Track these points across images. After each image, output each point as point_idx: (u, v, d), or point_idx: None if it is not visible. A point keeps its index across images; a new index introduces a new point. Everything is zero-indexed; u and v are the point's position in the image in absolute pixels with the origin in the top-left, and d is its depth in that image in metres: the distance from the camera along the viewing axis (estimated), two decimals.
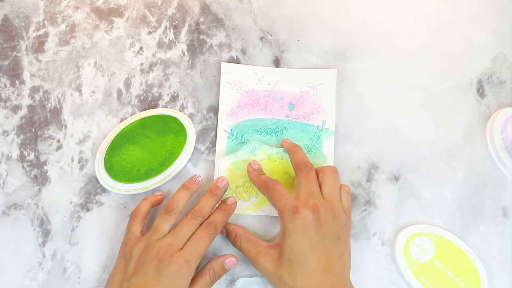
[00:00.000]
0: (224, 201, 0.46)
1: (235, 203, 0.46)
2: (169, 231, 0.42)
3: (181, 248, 0.40)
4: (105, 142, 0.50)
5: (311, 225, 0.40)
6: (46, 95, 0.52)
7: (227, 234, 0.45)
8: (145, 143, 0.49)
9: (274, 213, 0.49)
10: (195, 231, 0.42)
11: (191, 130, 0.51)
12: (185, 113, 0.53)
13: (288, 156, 0.50)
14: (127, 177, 0.48)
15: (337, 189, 0.44)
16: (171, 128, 0.50)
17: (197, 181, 0.46)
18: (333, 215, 0.41)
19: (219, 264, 0.43)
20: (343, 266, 0.40)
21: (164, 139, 0.50)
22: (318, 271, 0.39)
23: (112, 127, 0.52)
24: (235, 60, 0.55)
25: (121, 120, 0.52)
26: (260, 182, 0.45)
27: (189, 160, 0.50)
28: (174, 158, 0.49)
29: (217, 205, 0.46)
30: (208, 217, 0.44)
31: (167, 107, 0.53)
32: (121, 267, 0.41)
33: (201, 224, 0.43)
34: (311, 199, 0.42)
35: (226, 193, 0.49)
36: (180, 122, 0.51)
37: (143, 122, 0.51)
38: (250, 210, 0.49)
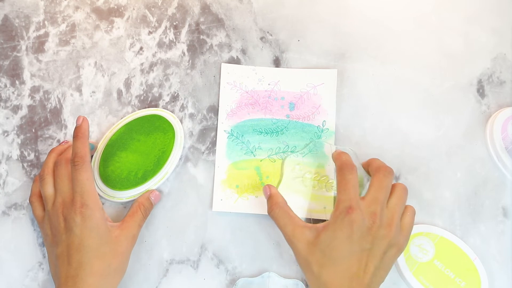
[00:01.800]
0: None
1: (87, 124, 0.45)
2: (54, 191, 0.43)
3: (73, 198, 0.41)
4: (95, 155, 0.50)
5: (358, 230, 0.39)
6: (46, 95, 0.52)
7: (268, 197, 0.45)
8: (135, 147, 0.49)
9: None
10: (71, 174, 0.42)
11: (178, 124, 0.50)
12: (185, 113, 0.53)
13: (288, 156, 0.50)
14: (126, 184, 0.47)
15: (403, 206, 0.43)
16: (157, 127, 0.50)
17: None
18: (389, 229, 0.40)
19: (146, 199, 0.46)
20: (374, 279, 0.39)
21: (153, 139, 0.49)
22: (346, 274, 0.38)
23: (112, 127, 0.52)
24: (235, 60, 0.55)
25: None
26: (338, 160, 0.43)
27: (186, 157, 0.50)
28: (168, 155, 0.49)
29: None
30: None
31: (167, 107, 0.53)
32: (48, 250, 0.43)
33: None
34: (374, 205, 0.40)
35: (227, 192, 0.49)
36: (165, 119, 0.50)
37: (128, 126, 0.50)
38: (250, 210, 0.49)
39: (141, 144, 0.49)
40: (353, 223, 0.39)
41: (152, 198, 0.47)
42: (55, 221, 0.41)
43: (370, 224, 0.39)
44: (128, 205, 0.48)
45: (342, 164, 0.42)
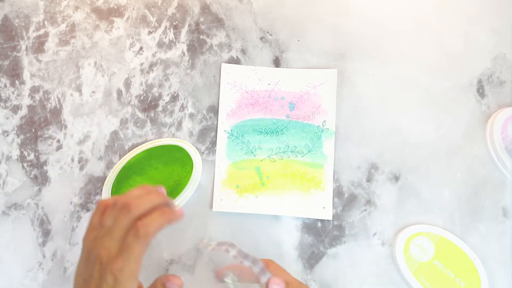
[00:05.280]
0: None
1: (182, 214, 0.39)
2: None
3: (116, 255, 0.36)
4: (111, 175, 0.49)
5: None
6: (46, 95, 0.52)
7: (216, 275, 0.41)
8: (152, 174, 0.49)
9: (277, 212, 0.49)
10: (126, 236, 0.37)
11: (198, 160, 0.50)
12: (185, 113, 0.53)
13: (290, 156, 0.50)
14: None
15: None
16: (177, 158, 0.49)
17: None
18: None
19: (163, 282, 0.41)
20: None
21: (171, 169, 0.49)
22: None
23: (112, 127, 0.52)
24: (235, 60, 0.55)
25: (121, 121, 0.52)
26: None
27: (195, 190, 0.49)
28: (182, 188, 0.48)
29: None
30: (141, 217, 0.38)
31: (167, 107, 0.53)
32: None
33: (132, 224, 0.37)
34: None
35: (228, 192, 0.49)
36: (186, 151, 0.50)
37: (149, 152, 0.50)
38: (250, 210, 0.49)
39: (158, 173, 0.49)
40: None
41: (168, 284, 0.41)
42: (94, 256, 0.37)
43: None
44: None
45: None
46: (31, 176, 0.50)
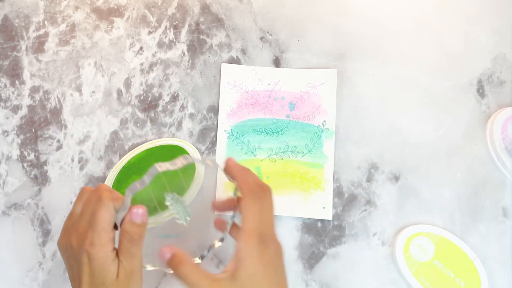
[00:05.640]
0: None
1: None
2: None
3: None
4: (111, 175, 0.49)
5: (274, 256, 0.36)
6: (46, 95, 0.52)
7: (172, 257, 0.37)
8: None
9: (277, 212, 0.49)
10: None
11: (198, 160, 0.48)
12: (185, 113, 0.53)
13: (290, 156, 0.50)
14: None
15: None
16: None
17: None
18: (278, 243, 0.37)
19: (128, 223, 0.37)
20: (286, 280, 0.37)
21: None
22: None
23: (112, 127, 0.52)
24: (235, 60, 0.55)
25: (121, 121, 0.52)
26: (245, 183, 0.37)
27: (198, 192, 0.48)
28: (184, 191, 0.47)
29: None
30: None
31: (167, 107, 0.53)
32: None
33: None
34: (270, 228, 0.37)
35: (228, 192, 0.49)
36: (186, 152, 0.49)
37: (149, 153, 0.50)
38: None
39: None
40: (272, 251, 0.36)
41: (135, 218, 0.38)
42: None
43: (277, 246, 0.36)
44: None
45: (251, 187, 0.37)
46: (31, 176, 0.50)
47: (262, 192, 0.37)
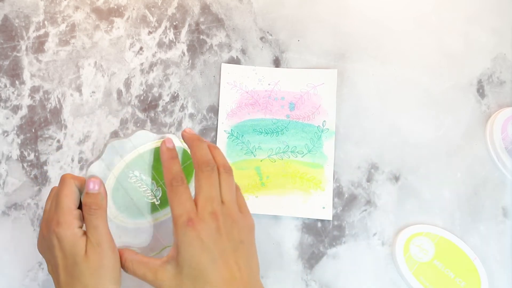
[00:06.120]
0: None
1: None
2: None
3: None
4: (111, 175, 0.48)
5: (208, 237, 0.36)
6: (46, 95, 0.52)
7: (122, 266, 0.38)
8: (152, 174, 0.48)
9: (277, 212, 0.49)
10: None
11: None
12: (185, 113, 0.53)
13: (290, 156, 0.50)
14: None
15: (234, 190, 0.39)
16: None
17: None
18: (231, 220, 0.37)
19: (86, 195, 0.39)
20: (250, 271, 0.37)
21: None
22: (222, 283, 0.35)
23: (112, 127, 0.52)
24: (235, 60, 0.55)
25: (121, 121, 0.52)
26: (167, 173, 0.39)
27: None
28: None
29: None
30: None
31: (167, 107, 0.53)
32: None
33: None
34: (210, 206, 0.37)
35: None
36: (187, 152, 0.48)
37: (149, 152, 0.49)
38: (250, 210, 0.48)
39: (158, 173, 0.47)
40: (199, 233, 0.35)
41: (91, 188, 0.38)
42: None
43: (216, 225, 0.36)
44: None
45: (173, 175, 0.38)
46: (31, 176, 0.50)
47: (208, 167, 0.38)
